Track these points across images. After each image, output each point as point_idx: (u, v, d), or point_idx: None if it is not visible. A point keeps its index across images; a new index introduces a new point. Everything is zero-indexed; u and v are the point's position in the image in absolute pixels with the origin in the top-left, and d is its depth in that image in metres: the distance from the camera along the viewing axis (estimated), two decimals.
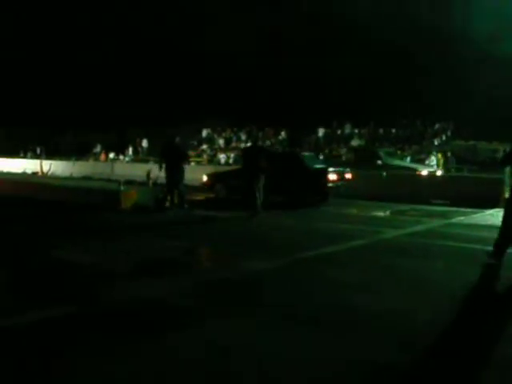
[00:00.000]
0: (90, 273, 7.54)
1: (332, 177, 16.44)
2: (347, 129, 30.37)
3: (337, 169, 17.43)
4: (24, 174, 28.73)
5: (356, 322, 5.40)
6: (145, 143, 37.21)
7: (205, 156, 32.15)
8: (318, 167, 17.48)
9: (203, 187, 18.75)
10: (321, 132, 30.90)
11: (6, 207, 15.26)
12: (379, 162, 23.99)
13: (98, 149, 38.99)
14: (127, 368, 4.20)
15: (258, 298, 6.34)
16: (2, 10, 43.64)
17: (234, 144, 33.78)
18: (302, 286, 6.95)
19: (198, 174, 22.43)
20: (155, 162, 24.29)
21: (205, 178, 18.45)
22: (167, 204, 14.62)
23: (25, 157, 39.53)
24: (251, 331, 5.07)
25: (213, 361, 4.35)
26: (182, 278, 7.19)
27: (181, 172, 14.72)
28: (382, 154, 25.20)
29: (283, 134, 32.23)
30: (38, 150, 39.85)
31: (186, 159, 15.89)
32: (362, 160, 24.33)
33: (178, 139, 15.88)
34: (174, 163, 14.72)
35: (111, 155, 37.99)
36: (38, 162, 32.53)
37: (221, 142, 33.77)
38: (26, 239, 10.45)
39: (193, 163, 30.00)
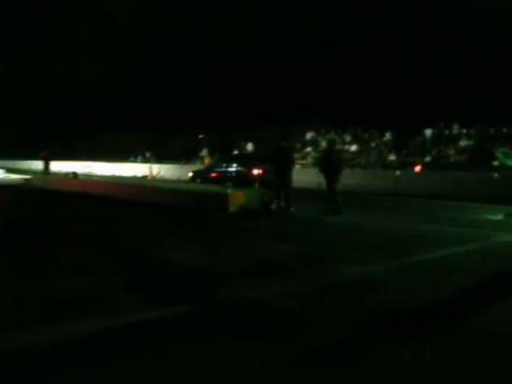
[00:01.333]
0: (198, 273, 8.05)
1: None
2: (455, 129, 29.90)
3: None
4: (134, 177, 30.79)
5: None
6: (250, 146, 38.33)
7: (309, 159, 32.73)
8: None
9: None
10: (428, 133, 30.55)
11: (119, 209, 16.76)
12: (495, 163, 23.66)
13: (204, 152, 40.58)
14: (243, 366, 4.56)
15: (354, 302, 6.45)
16: None
17: (338, 146, 34.06)
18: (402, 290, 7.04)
19: (303, 176, 23.29)
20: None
21: None
22: (273, 207, 15.31)
23: (135, 161, 42.05)
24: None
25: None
26: (289, 281, 7.52)
27: (288, 175, 15.40)
28: (498, 154, 24.74)
29: (388, 135, 32.12)
30: (148, 155, 42.15)
31: (292, 162, 16.59)
32: (475, 161, 24.12)
33: (284, 143, 16.76)
34: (282, 166, 15.46)
35: None
36: (147, 165, 34.48)
37: (325, 144, 34.13)
38: (139, 241, 11.51)
39: (297, 166, 30.83)
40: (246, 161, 23.46)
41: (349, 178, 23.59)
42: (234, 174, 22.52)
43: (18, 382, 4.36)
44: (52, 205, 20.41)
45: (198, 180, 23.30)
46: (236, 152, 29.32)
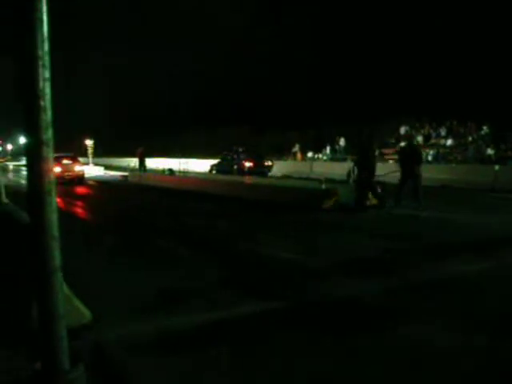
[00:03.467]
0: (295, 269, 8.31)
1: None
2: None
3: None
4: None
5: None
6: (342, 142, 38.46)
7: None
8: None
9: None
10: None
11: (214, 205, 17.50)
12: None
13: (296, 148, 41.01)
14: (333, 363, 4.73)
15: (459, 303, 6.43)
16: None
17: (433, 140, 33.67)
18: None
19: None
20: (352, 160, 25.64)
21: None
22: (368, 203, 15.50)
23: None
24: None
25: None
26: (385, 279, 7.57)
27: (417, 171, 15.45)
28: None
29: (485, 128, 31.34)
30: (241, 151, 43.00)
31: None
32: None
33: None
34: (409, 163, 15.65)
35: (309, 154, 39.82)
36: (273, 163, 35.05)
37: (419, 138, 33.79)
38: (234, 236, 12.14)
39: (391, 161, 30.78)
40: (243, 156, 31.75)
41: (444, 173, 23.52)
42: (235, 166, 30.83)
43: (121, 371, 4.71)
44: (148, 200, 21.53)
45: (214, 172, 32.80)
46: (241, 149, 33.43)
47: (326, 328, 5.64)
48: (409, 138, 22.31)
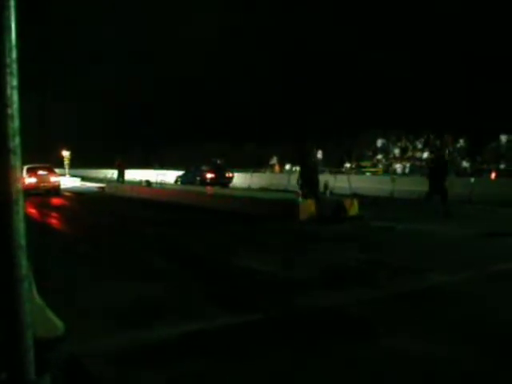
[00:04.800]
0: (270, 281, 8.36)
1: None
2: None
3: None
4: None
5: None
6: (319, 154, 38.66)
7: (380, 166, 32.81)
8: None
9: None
10: (503, 139, 30.07)
11: (190, 216, 17.49)
12: None
13: (273, 161, 41.15)
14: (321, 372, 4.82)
15: (432, 313, 6.48)
16: None
17: (410, 153, 34.00)
18: (486, 302, 6.93)
19: (375, 184, 23.51)
20: (331, 173, 25.86)
21: None
22: (344, 215, 15.60)
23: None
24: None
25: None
26: (360, 290, 7.60)
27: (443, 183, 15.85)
28: None
29: (461, 141, 31.76)
30: (218, 162, 43.03)
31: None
32: None
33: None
34: (438, 175, 16.32)
35: (287, 167, 39.97)
36: (233, 174, 35.27)
37: (396, 151, 34.13)
38: (212, 248, 12.15)
39: (368, 173, 31.04)
40: (206, 168, 33.98)
41: (421, 186, 23.68)
42: (197, 178, 33.03)
43: (91, 381, 4.74)
44: (125, 211, 21.44)
45: (178, 183, 34.76)
46: (219, 161, 36.79)
47: (304, 339, 5.66)
48: (439, 151, 22.37)
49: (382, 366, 5.03)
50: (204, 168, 33.91)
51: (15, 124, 1.98)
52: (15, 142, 1.98)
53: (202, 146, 54.61)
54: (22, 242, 2.05)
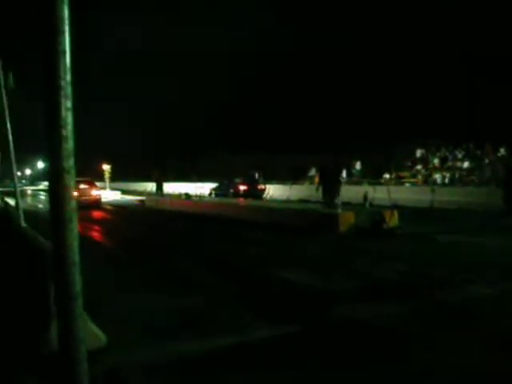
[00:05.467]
0: (309, 293, 8.35)
1: None
2: None
3: None
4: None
5: None
6: (358, 165, 38.43)
7: (419, 176, 32.43)
8: None
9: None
10: None
11: (230, 228, 17.57)
12: None
13: (312, 172, 40.99)
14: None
15: (472, 326, 6.39)
16: None
17: (450, 163, 33.53)
18: None
19: (414, 195, 23.26)
20: (369, 184, 25.70)
21: None
22: (385, 226, 15.45)
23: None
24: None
25: None
26: (400, 303, 7.53)
27: None
28: None
29: (502, 150, 31.16)
30: (256, 175, 43.13)
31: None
32: None
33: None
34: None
35: None
36: (266, 186, 35.38)
37: (436, 161, 33.69)
38: (252, 259, 12.25)
39: (407, 184, 30.71)
40: (239, 180, 35.13)
41: (461, 196, 23.38)
42: (230, 190, 33.77)
43: None
44: (165, 224, 21.65)
45: (213, 195, 35.11)
46: (256, 174, 38.60)
47: (342, 353, 5.62)
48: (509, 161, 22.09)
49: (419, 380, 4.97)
50: (237, 180, 35.02)
51: (69, 145, 2.05)
52: (69, 162, 2.05)
53: (239, 156, 54.84)
54: (76, 259, 2.11)
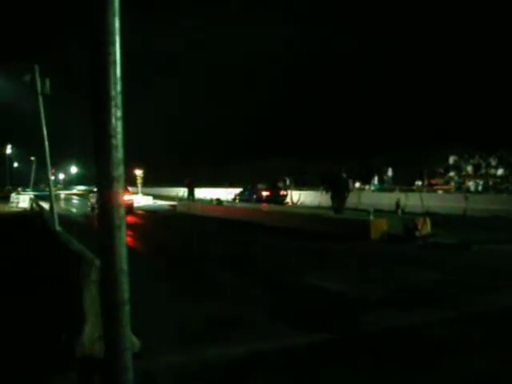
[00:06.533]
0: (339, 301, 8.32)
1: None
2: None
3: None
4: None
5: None
6: (390, 172, 38.13)
7: (452, 183, 32.06)
8: None
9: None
10: None
11: (262, 235, 17.55)
12: None
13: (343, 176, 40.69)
14: None
15: (508, 335, 6.32)
16: None
17: (483, 170, 33.08)
18: None
19: (447, 202, 22.99)
20: (401, 191, 25.48)
21: None
22: (417, 234, 15.29)
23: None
24: None
25: None
26: (433, 311, 7.48)
27: None
28: None
29: None
30: (288, 181, 43.13)
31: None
32: None
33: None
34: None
35: (357, 184, 39.55)
36: (287, 192, 35.43)
37: (469, 168, 33.26)
38: (282, 266, 12.19)
39: (440, 191, 30.38)
40: (261, 187, 36.21)
41: (495, 204, 23.03)
42: (253, 196, 35.41)
43: None
44: (195, 229, 21.73)
45: (237, 200, 35.18)
46: (288, 180, 40.11)
47: (377, 361, 5.57)
48: None
49: None
50: (260, 186, 36.44)
51: (119, 154, 2.07)
52: (119, 171, 2.07)
53: (270, 162, 54.88)
54: (125, 266, 2.13)
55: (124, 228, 2.04)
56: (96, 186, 2.12)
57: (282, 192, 36.31)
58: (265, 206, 26.56)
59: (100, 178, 2.06)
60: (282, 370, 5.38)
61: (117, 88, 1.96)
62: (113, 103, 1.96)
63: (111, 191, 2.03)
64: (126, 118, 2.00)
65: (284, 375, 5.26)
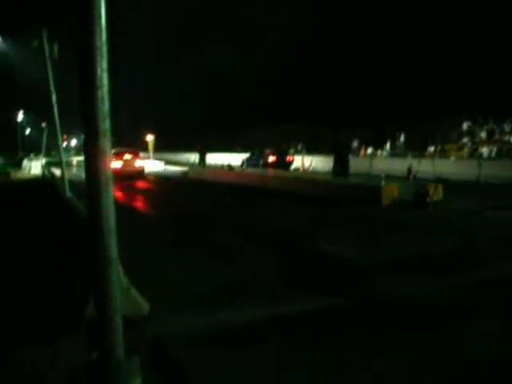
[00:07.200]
0: (350, 267, 8.33)
1: None
2: None
3: None
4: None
5: None
6: (402, 138, 37.79)
7: (466, 149, 31.70)
8: None
9: None
10: None
11: (272, 200, 17.48)
12: None
13: (355, 144, 40.51)
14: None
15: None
16: None
17: (497, 136, 32.64)
18: None
19: (458, 168, 22.77)
20: (414, 157, 25.23)
21: None
22: (429, 200, 15.15)
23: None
24: None
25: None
26: (444, 277, 7.47)
27: None
28: None
29: None
30: (300, 147, 42.92)
31: None
32: None
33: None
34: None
35: (369, 151, 39.30)
36: (299, 158, 35.19)
37: (483, 134, 32.81)
38: (293, 231, 12.15)
39: (453, 157, 30.09)
40: (268, 152, 35.63)
41: (509, 170, 22.77)
42: (260, 161, 34.96)
43: (175, 363, 4.80)
44: (207, 195, 21.70)
45: (244, 166, 35.33)
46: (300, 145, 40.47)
47: (387, 328, 5.60)
48: None
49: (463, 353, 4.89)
50: (267, 151, 35.76)
51: (105, 106, 1.98)
52: (105, 124, 1.98)
53: (283, 126, 54.57)
54: (112, 225, 2.05)
55: (111, 187, 1.96)
56: (83, 142, 2.03)
57: (289, 157, 36.04)
58: (271, 172, 26.12)
59: (86, 132, 1.97)
60: (291, 336, 5.41)
61: (102, 37, 1.86)
62: (98, 53, 1.86)
63: (98, 147, 1.94)
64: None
65: (293, 340, 5.30)
